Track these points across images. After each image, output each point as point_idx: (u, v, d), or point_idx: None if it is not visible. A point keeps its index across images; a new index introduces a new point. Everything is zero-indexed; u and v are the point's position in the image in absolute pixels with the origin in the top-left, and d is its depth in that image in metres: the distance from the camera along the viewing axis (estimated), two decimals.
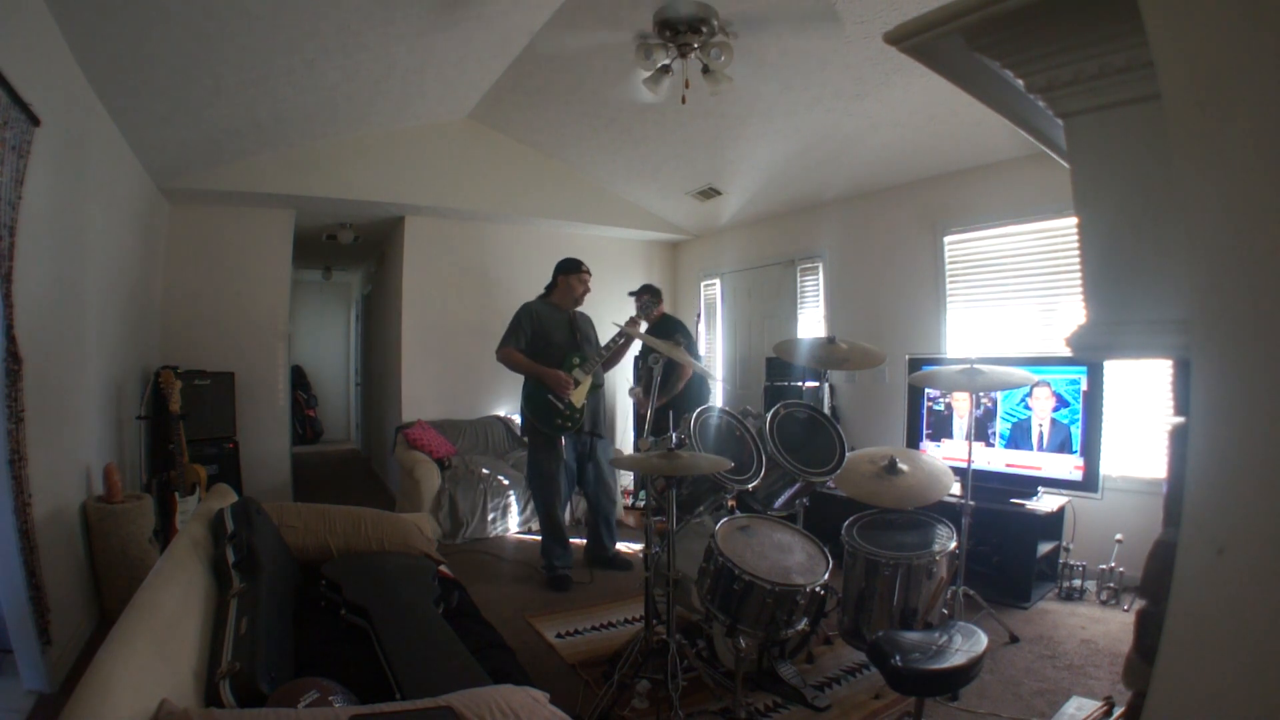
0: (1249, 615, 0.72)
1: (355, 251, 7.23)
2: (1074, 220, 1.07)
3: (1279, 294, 0.68)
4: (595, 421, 3.81)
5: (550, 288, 3.90)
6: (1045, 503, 3.43)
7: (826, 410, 3.22)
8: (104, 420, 3.37)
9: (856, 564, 2.54)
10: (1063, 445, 3.39)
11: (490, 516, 4.66)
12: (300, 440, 8.47)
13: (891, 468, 2.67)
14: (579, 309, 3.90)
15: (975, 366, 2.79)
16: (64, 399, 2.78)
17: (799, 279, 5.52)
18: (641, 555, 2.67)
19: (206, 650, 1.56)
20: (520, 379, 3.77)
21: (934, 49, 1.08)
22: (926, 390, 3.87)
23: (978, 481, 3.10)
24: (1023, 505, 3.38)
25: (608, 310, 4.73)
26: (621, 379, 6.11)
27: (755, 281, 5.96)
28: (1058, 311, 3.85)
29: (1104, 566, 3.34)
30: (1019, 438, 3.56)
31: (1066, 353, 1.26)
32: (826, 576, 2.29)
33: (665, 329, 4.58)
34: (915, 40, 1.06)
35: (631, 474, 5.01)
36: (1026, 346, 3.91)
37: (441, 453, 4.90)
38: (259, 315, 5.12)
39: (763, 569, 2.22)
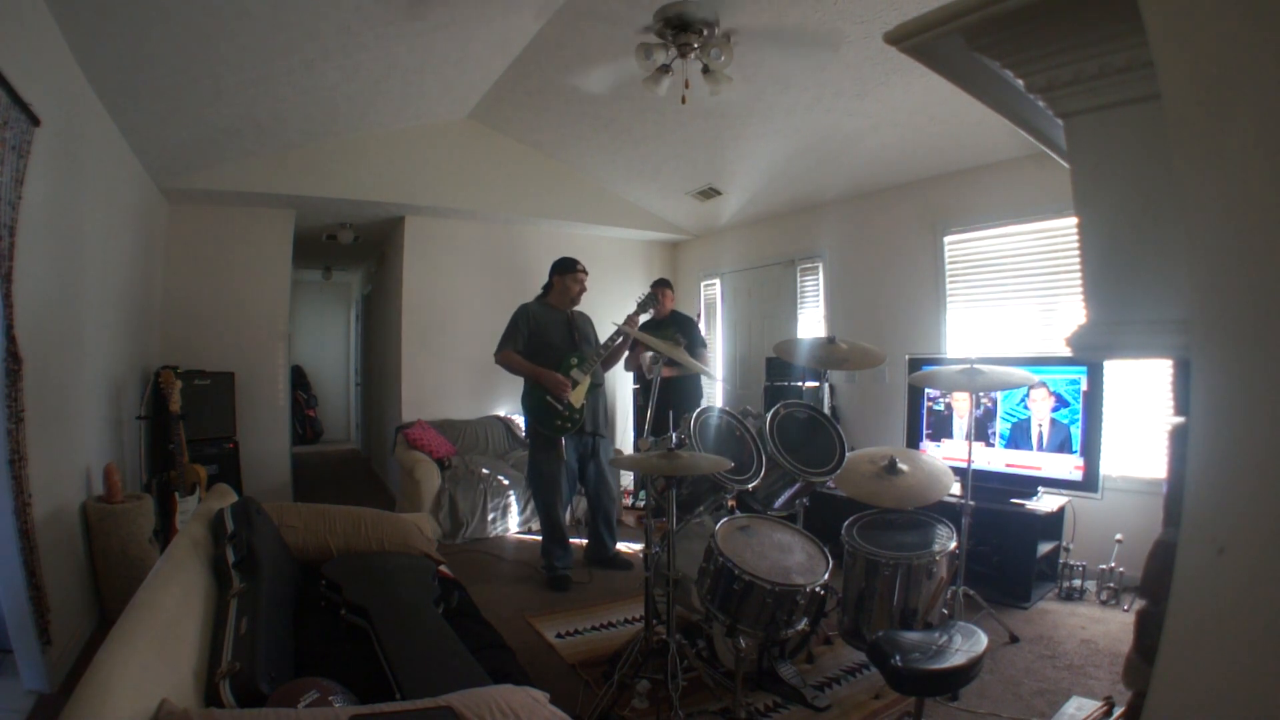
0: (1249, 615, 0.72)
1: (355, 251, 7.22)
2: (1074, 220, 1.07)
3: (1279, 294, 0.68)
4: (596, 421, 3.80)
5: (547, 288, 3.89)
6: (1045, 503, 3.43)
7: (826, 410, 3.22)
8: (104, 420, 3.37)
9: (856, 564, 2.54)
10: (1063, 445, 3.39)
11: (490, 516, 4.66)
12: (300, 440, 8.47)
13: (891, 468, 2.67)
14: (577, 308, 3.89)
15: (975, 366, 2.79)
16: (64, 399, 2.78)
17: (799, 279, 5.52)
18: (641, 555, 2.67)
19: (206, 650, 1.56)
20: (521, 380, 3.76)
21: (934, 49, 1.08)
22: (926, 390, 3.87)
23: (978, 481, 3.10)
24: (1023, 505, 3.38)
25: (608, 310, 4.73)
26: (623, 379, 6.12)
27: (755, 281, 5.96)
28: (1058, 311, 3.85)
29: (1104, 566, 3.34)
30: (1019, 438, 3.56)
31: (1066, 353, 1.26)
32: (826, 576, 2.29)
33: (676, 325, 4.59)
34: (915, 40, 1.06)
35: (631, 474, 5.02)
36: (1026, 346, 3.91)
37: (441, 453, 4.90)
38: (259, 315, 5.12)
39: (763, 569, 2.22)
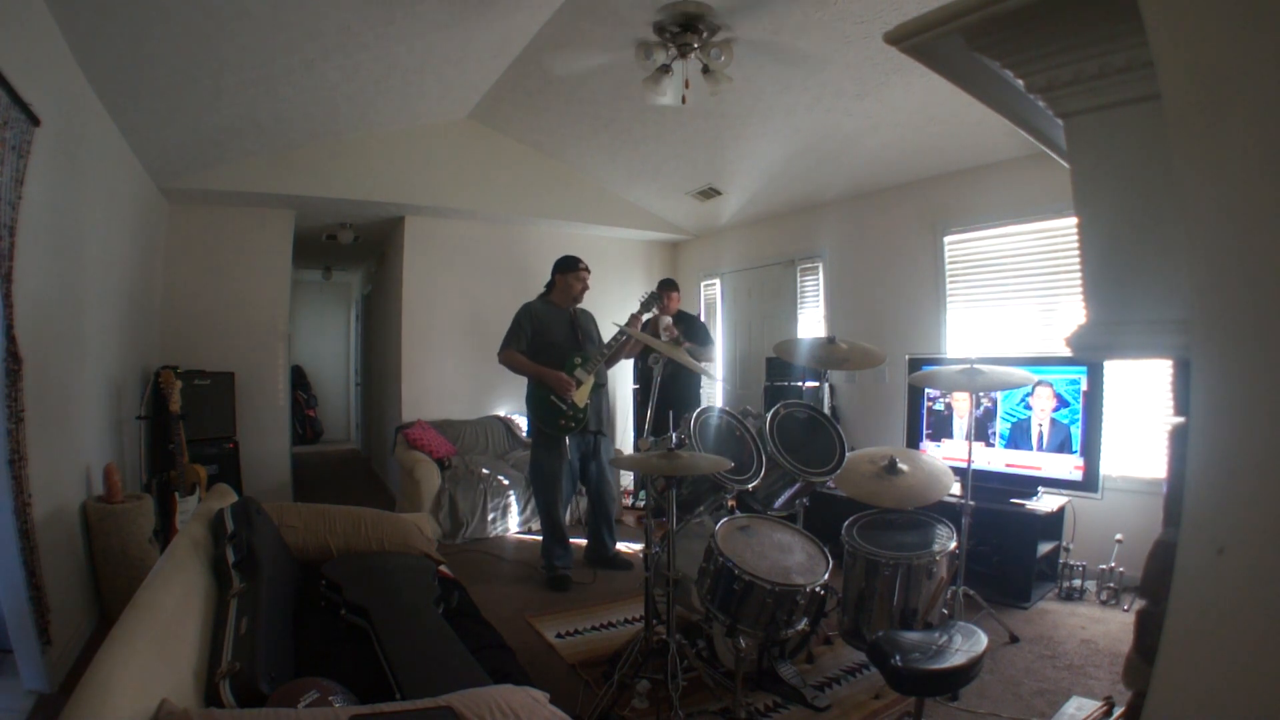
0: (1249, 615, 0.72)
1: (355, 251, 7.22)
2: (1074, 220, 1.07)
3: (1279, 294, 0.68)
4: (600, 420, 3.81)
5: (549, 287, 3.89)
6: (1045, 503, 3.43)
7: (826, 410, 3.22)
8: (104, 420, 3.37)
9: (856, 564, 2.54)
10: (1063, 445, 3.39)
11: (490, 516, 4.66)
12: (300, 440, 8.47)
13: (891, 468, 2.67)
14: (580, 306, 3.89)
15: (975, 366, 2.79)
16: (64, 399, 2.78)
17: (799, 279, 5.52)
18: (641, 555, 2.67)
19: (206, 650, 1.56)
20: (524, 380, 3.77)
21: (934, 49, 1.08)
22: (926, 390, 3.87)
23: (978, 481, 3.10)
24: (1023, 505, 3.38)
25: (608, 310, 4.74)
26: (622, 379, 6.12)
27: (755, 281, 5.96)
28: (1058, 311, 3.85)
29: (1104, 566, 3.34)
30: (1019, 438, 3.56)
31: (1066, 353, 1.26)
32: (826, 576, 2.29)
33: (682, 325, 4.60)
34: (915, 40, 1.06)
35: (631, 474, 5.02)
36: (1026, 346, 3.91)
37: (441, 453, 4.90)
38: (259, 315, 5.12)
39: (763, 569, 2.22)
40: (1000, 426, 3.63)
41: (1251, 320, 0.71)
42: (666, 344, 2.82)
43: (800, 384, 4.95)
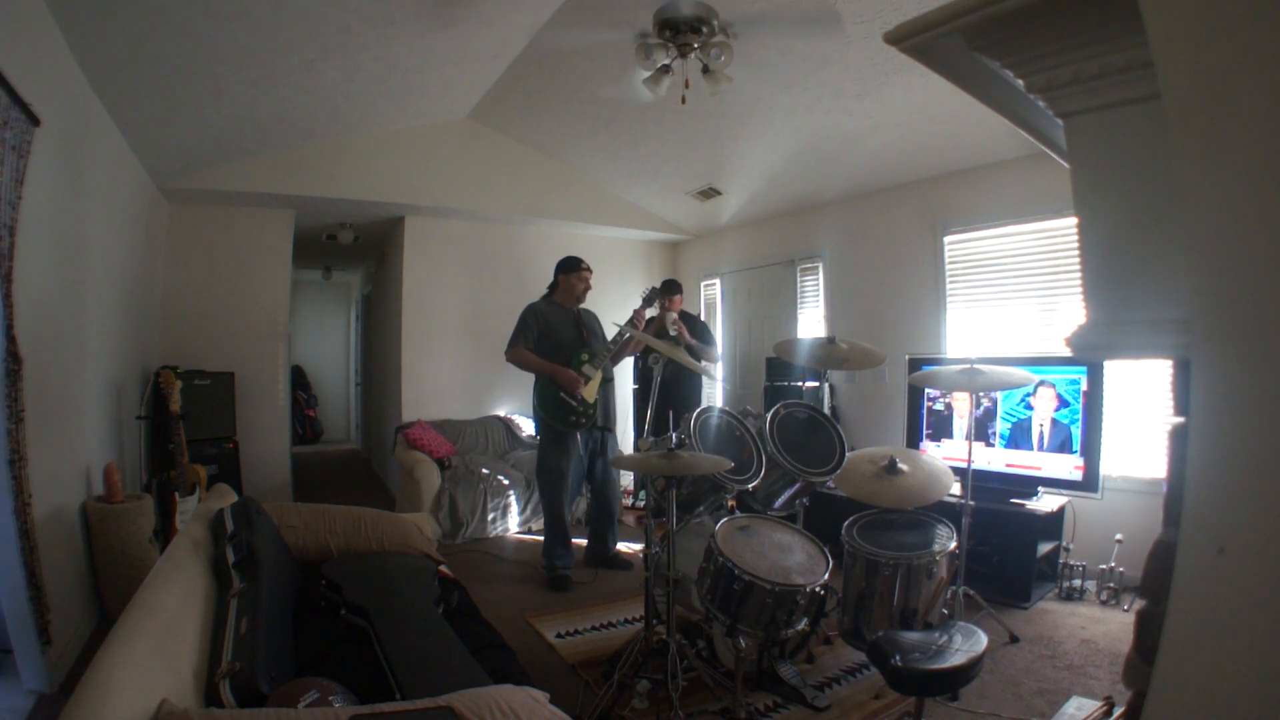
0: (1249, 615, 0.72)
1: (355, 251, 7.22)
2: (1074, 220, 1.07)
3: (1279, 294, 0.68)
4: (607, 416, 3.84)
5: (552, 287, 3.93)
6: (1045, 503, 3.43)
7: (826, 410, 3.22)
8: (104, 420, 3.37)
9: (856, 564, 2.54)
10: (1063, 445, 3.39)
11: (490, 516, 4.66)
12: (300, 440, 8.47)
13: (891, 468, 2.67)
14: (583, 305, 3.92)
15: (975, 366, 2.79)
16: (64, 399, 2.78)
17: (799, 279, 5.52)
18: (641, 555, 2.67)
19: (206, 650, 1.56)
20: (529, 378, 3.80)
21: (934, 49, 1.08)
22: (926, 390, 3.87)
23: (978, 481, 3.10)
24: (1023, 505, 3.38)
25: (608, 310, 4.73)
26: (622, 380, 6.11)
27: (755, 281, 5.96)
28: (1058, 311, 3.85)
29: (1104, 566, 3.34)
30: (1019, 438, 3.56)
31: (1067, 353, 1.26)
32: (826, 576, 2.29)
33: (684, 324, 4.61)
34: (915, 40, 1.06)
35: (631, 474, 5.02)
36: (1027, 346, 3.91)
37: (441, 453, 4.90)
38: (259, 315, 5.12)
39: (763, 569, 2.22)
40: (1000, 426, 3.63)
41: (1251, 320, 0.71)
42: (667, 344, 2.82)
43: (800, 384, 4.95)
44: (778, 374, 5.14)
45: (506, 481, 4.77)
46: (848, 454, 2.68)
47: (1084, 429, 3.32)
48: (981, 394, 3.58)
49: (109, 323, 3.47)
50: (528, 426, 5.67)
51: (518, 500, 4.77)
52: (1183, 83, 0.75)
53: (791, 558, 2.34)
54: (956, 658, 1.72)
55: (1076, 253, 1.08)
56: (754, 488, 2.58)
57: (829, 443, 2.73)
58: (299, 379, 9.03)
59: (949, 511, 2.77)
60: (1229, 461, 0.75)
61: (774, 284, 5.75)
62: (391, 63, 3.71)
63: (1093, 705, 2.19)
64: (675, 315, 4.44)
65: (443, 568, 2.47)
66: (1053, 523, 3.46)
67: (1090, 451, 3.29)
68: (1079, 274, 1.06)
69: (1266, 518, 0.70)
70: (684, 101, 3.60)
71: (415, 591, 2.11)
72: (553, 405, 3.65)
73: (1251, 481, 0.73)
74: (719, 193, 5.51)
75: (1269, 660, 0.70)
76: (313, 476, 6.88)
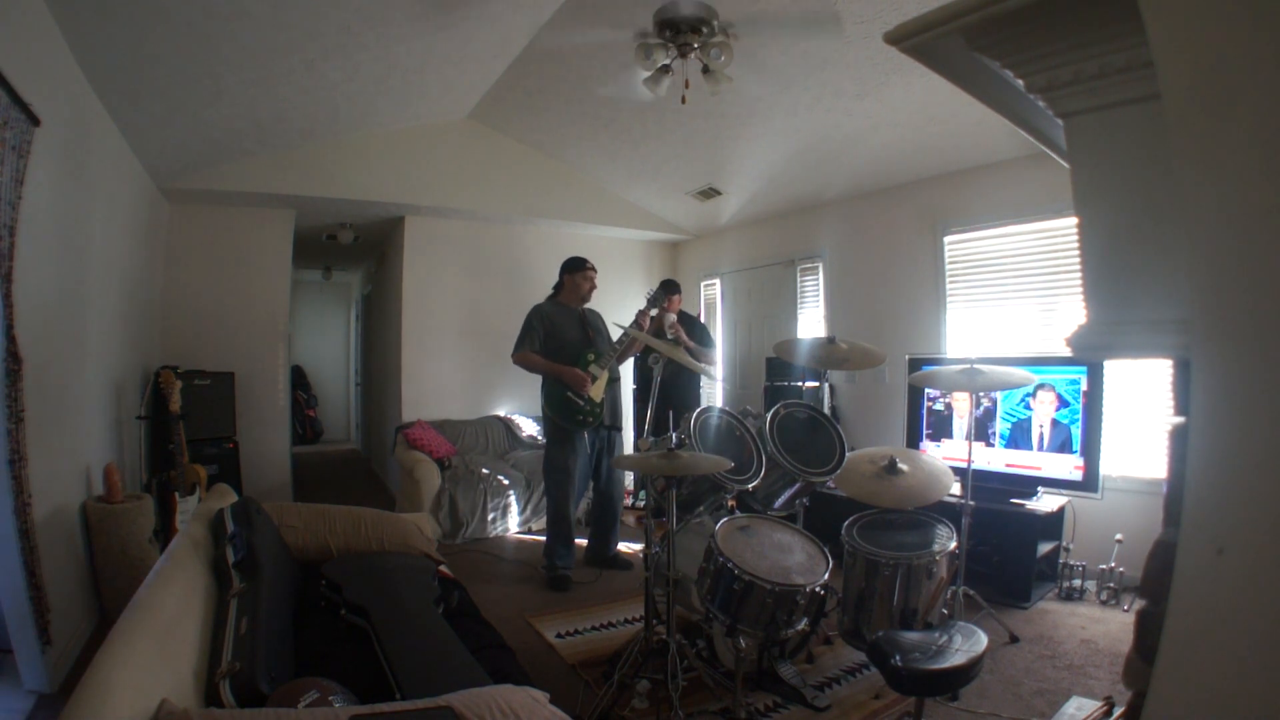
0: (1249, 615, 0.72)
1: (355, 251, 7.22)
2: (1074, 220, 1.07)
3: (1279, 294, 0.68)
4: (614, 415, 3.85)
5: (557, 287, 3.95)
6: (1045, 503, 3.43)
7: (826, 410, 3.22)
8: (104, 420, 3.37)
9: (856, 564, 2.54)
10: (1063, 445, 3.39)
11: (490, 516, 4.66)
12: (300, 440, 8.47)
13: (891, 468, 2.67)
14: (588, 305, 3.93)
15: (975, 366, 2.79)
16: (64, 399, 2.78)
17: (799, 279, 5.52)
18: (641, 555, 2.67)
19: (206, 650, 1.56)
20: (529, 378, 3.81)
21: (934, 49, 1.08)
22: (926, 390, 3.87)
23: (978, 481, 3.10)
24: (1023, 505, 3.38)
25: (608, 311, 4.73)
26: (624, 380, 6.11)
27: (755, 281, 5.96)
28: (1058, 311, 3.85)
29: (1104, 566, 3.34)
30: (1019, 438, 3.56)
31: (1067, 353, 1.26)
32: (826, 576, 2.29)
33: (683, 326, 4.61)
34: (915, 40, 1.06)
35: (631, 474, 5.02)
36: (1026, 346, 3.91)
37: (441, 453, 4.90)
38: (259, 315, 5.12)
39: (763, 569, 2.22)
40: (1000, 426, 3.63)
41: (1251, 320, 0.71)
42: (667, 344, 2.82)
43: (800, 384, 4.95)
44: (778, 374, 5.14)
45: (506, 481, 4.77)
46: (848, 454, 2.68)
47: (1084, 429, 3.32)
48: (981, 394, 3.58)
49: (109, 323, 3.47)
50: (528, 426, 5.68)
51: (518, 500, 4.78)
52: (1183, 83, 0.75)
53: (791, 558, 2.34)
54: (956, 658, 1.72)
55: (1076, 253, 1.08)
56: (754, 488, 2.58)
57: (829, 443, 2.73)
58: (299, 379, 9.03)
59: (949, 511, 2.77)
60: (1229, 461, 0.75)
61: (774, 284, 5.75)
62: (391, 63, 3.71)
63: (1093, 705, 2.19)
64: (673, 317, 4.45)
65: (443, 568, 2.47)
66: (1053, 523, 3.46)
67: (1090, 451, 3.29)
68: (1079, 274, 1.06)
69: (1266, 518, 0.70)
70: (684, 101, 3.60)
71: (415, 591, 2.11)
72: (560, 405, 3.66)
73: (1251, 481, 0.73)
74: (719, 193, 5.51)
75: (1269, 660, 0.70)
76: (313, 476, 6.88)
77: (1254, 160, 0.70)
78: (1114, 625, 3.03)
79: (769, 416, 2.70)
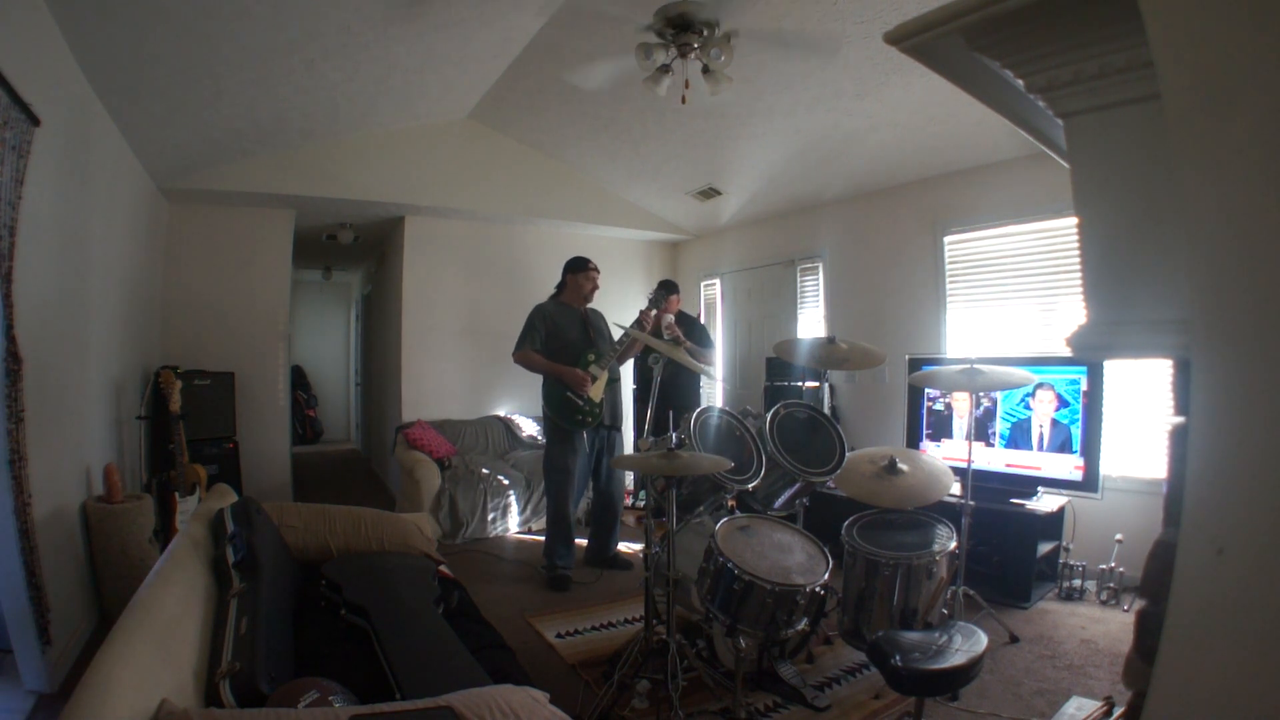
0: (1249, 615, 0.72)
1: (355, 251, 7.22)
2: (1074, 220, 1.07)
3: (1279, 294, 0.68)
4: (614, 415, 3.86)
5: (560, 287, 3.95)
6: (1045, 503, 3.43)
7: (826, 410, 3.22)
8: (104, 420, 3.37)
9: (856, 564, 2.54)
10: (1063, 445, 3.39)
11: (490, 516, 4.66)
12: (300, 440, 8.47)
13: (891, 468, 2.67)
14: (590, 305, 3.94)
15: (975, 366, 2.79)
16: (64, 399, 2.78)
17: (799, 279, 5.52)
18: (641, 555, 2.67)
19: (206, 650, 1.56)
20: (529, 378, 3.82)
21: (934, 49, 1.08)
22: (926, 390, 3.87)
23: (978, 481, 3.10)
24: (1023, 505, 3.38)
25: (608, 311, 4.73)
26: (624, 380, 6.11)
27: (755, 281, 5.96)
28: (1058, 311, 3.85)
29: (1104, 566, 3.34)
30: (1019, 438, 3.56)
31: (1067, 353, 1.26)
32: (826, 576, 2.29)
33: (682, 326, 4.62)
34: (915, 40, 1.06)
35: (631, 474, 5.02)
36: (1026, 346, 3.91)
37: (441, 453, 4.90)
38: (259, 315, 5.12)
39: (763, 569, 2.22)
40: (1000, 426, 3.63)
41: (1251, 320, 0.71)
42: (667, 344, 2.82)
43: (800, 384, 4.95)
44: (778, 374, 5.14)
45: (506, 481, 4.77)
46: (848, 454, 2.68)
47: (1084, 429, 3.32)
48: (981, 394, 3.58)
49: (109, 323, 3.47)
50: (528, 426, 5.68)
51: (518, 500, 4.77)
52: (1183, 83, 0.75)
53: (791, 558, 2.34)
54: (956, 658, 1.72)
55: (1076, 253, 1.08)
56: (754, 488, 2.58)
57: (829, 443, 2.73)
58: (299, 379, 9.03)
59: (949, 511, 2.77)
60: (1229, 461, 0.75)
61: (774, 284, 5.75)
62: (391, 63, 3.71)
63: (1093, 705, 2.19)
64: (670, 318, 4.44)
65: (443, 568, 2.47)
66: (1053, 523, 3.46)
67: (1090, 451, 3.29)
68: (1079, 274, 1.06)
69: (1266, 518, 0.70)
70: (684, 101, 3.59)
71: (415, 591, 2.11)
72: (560, 404, 3.66)
73: (1251, 481, 0.73)
74: (719, 193, 5.51)
75: (1269, 660, 0.70)
76: (313, 476, 6.88)
77: (1254, 160, 0.70)
78: (1114, 625, 3.03)
79: (769, 416, 2.70)
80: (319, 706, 1.30)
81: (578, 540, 3.97)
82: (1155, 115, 0.84)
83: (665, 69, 3.36)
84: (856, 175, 4.72)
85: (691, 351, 4.17)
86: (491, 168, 5.32)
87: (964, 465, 2.90)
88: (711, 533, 2.35)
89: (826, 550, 2.42)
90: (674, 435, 2.49)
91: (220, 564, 1.91)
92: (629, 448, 5.11)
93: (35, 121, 2.25)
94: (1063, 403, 3.40)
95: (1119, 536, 3.36)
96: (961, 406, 3.79)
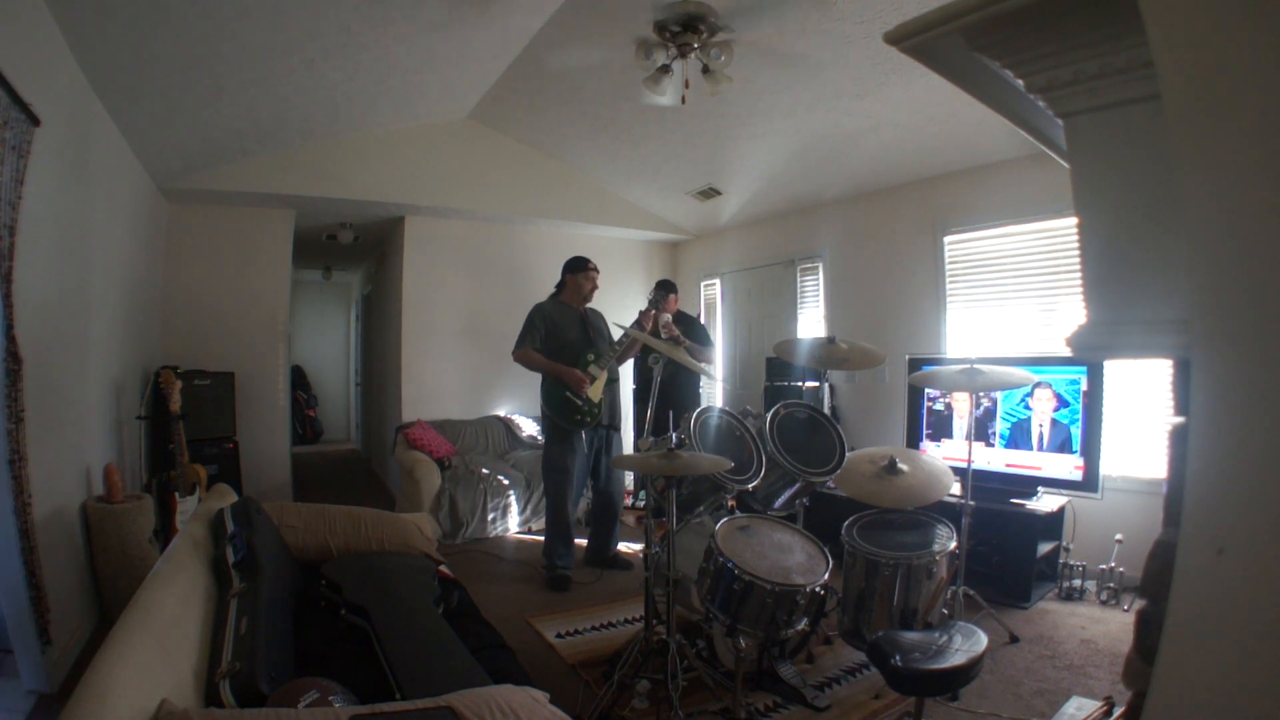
0: (1249, 615, 0.72)
1: (355, 251, 7.22)
2: (1074, 220, 1.07)
3: (1279, 294, 0.68)
4: (613, 415, 3.86)
5: (560, 287, 3.95)
6: (1045, 503, 3.43)
7: (826, 410, 3.22)
8: (104, 420, 3.37)
9: (856, 564, 2.54)
10: (1063, 445, 3.39)
11: (490, 516, 4.66)
12: (300, 440, 8.47)
13: (891, 468, 2.67)
14: (589, 305, 3.94)
15: (975, 366, 2.79)
16: (64, 399, 2.78)
17: (799, 279, 5.52)
18: (641, 555, 2.67)
19: (206, 650, 1.56)
20: (529, 378, 3.83)
21: (934, 49, 1.08)
22: (926, 390, 3.87)
23: (978, 481, 3.10)
24: (1023, 505, 3.38)
25: (608, 311, 4.73)
26: (624, 380, 6.11)
27: (755, 281, 5.96)
28: (1058, 311, 3.85)
29: (1104, 566, 3.34)
30: (1019, 438, 3.56)
31: (1066, 353, 1.26)
32: (826, 576, 2.29)
33: (682, 326, 4.62)
34: (915, 40, 1.06)
35: (631, 474, 5.02)
36: (1026, 346, 3.91)
37: (441, 453, 4.90)
38: (259, 315, 5.12)
39: (763, 569, 2.22)
40: (1000, 426, 3.63)
41: (1251, 320, 0.71)
42: (667, 344, 2.82)
43: (800, 384, 4.95)
44: (778, 374, 5.14)
45: (506, 481, 4.77)
46: (848, 454, 2.68)
47: (1084, 429, 3.32)
48: (981, 394, 3.58)
49: (109, 323, 3.47)
50: (528, 426, 5.68)
51: (518, 500, 4.77)
52: (1183, 83, 0.75)
53: (791, 558, 2.34)
54: (956, 658, 1.72)
55: (1076, 253, 1.08)
56: (754, 488, 2.58)
57: (829, 443, 2.73)
58: (299, 379, 9.03)
59: (949, 511, 2.77)
60: (1229, 461, 0.75)
61: (774, 284, 5.75)
62: (391, 63, 3.71)
63: (1093, 705, 2.19)
64: (668, 318, 4.44)
65: (443, 568, 2.47)
66: (1053, 523, 3.46)
67: (1090, 451, 3.29)
68: (1079, 274, 1.06)
69: (1266, 518, 0.70)
70: (684, 101, 3.60)
71: (415, 591, 2.11)
72: (558, 404, 3.66)
73: (1251, 481, 0.73)
74: (719, 193, 5.51)
75: (1269, 660, 0.70)
76: (313, 476, 6.88)
77: (1254, 160, 0.70)
78: (1114, 625, 3.03)
79: (769, 416, 2.70)
80: (319, 706, 1.30)
81: (577, 540, 3.98)
82: (1155, 115, 0.84)
83: (665, 69, 3.37)
84: (856, 175, 4.72)
85: (691, 351, 4.17)
86: (491, 168, 5.32)
87: (964, 465, 2.90)
88: (711, 533, 2.35)
89: (826, 550, 2.42)
90: (674, 435, 2.49)
91: (220, 564, 1.91)
92: (628, 448, 5.12)
93: (35, 121, 2.25)
94: (1062, 403, 3.40)
95: (1119, 536, 3.36)
96: (961, 406, 3.79)
